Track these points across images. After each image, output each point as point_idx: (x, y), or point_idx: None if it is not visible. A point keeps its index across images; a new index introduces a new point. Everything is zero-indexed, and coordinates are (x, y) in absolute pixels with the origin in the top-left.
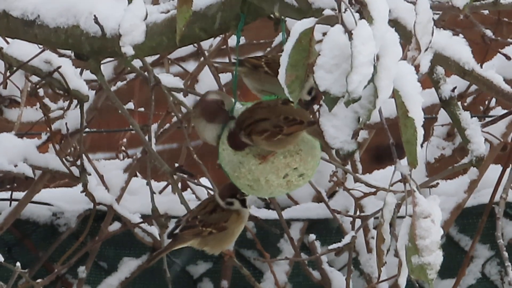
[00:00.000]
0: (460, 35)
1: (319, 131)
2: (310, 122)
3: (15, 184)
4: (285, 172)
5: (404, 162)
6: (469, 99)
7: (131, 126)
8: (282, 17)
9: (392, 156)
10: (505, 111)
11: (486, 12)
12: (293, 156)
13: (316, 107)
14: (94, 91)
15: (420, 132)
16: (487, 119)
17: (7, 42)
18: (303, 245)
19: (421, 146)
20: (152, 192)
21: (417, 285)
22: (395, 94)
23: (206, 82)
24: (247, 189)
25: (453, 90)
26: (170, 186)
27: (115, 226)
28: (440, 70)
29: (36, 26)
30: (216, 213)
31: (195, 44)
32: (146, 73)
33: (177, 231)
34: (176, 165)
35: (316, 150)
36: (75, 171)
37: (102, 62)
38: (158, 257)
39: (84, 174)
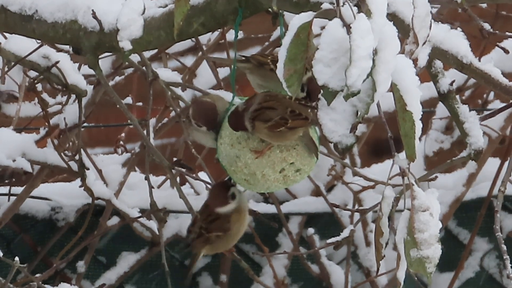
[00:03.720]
0: (458, 28)
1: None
2: (313, 120)
3: (14, 179)
4: (282, 166)
5: (402, 155)
6: (467, 93)
7: (129, 121)
8: (280, 11)
9: (391, 150)
10: (503, 104)
11: (484, 5)
12: (289, 151)
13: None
14: (92, 86)
15: (419, 125)
16: (486, 113)
17: (5, 37)
18: (301, 239)
19: (420, 139)
20: (151, 187)
21: (415, 278)
22: (394, 88)
23: (205, 76)
24: (243, 183)
25: (451, 84)
26: (168, 180)
27: (114, 220)
28: (438, 63)
29: (34, 21)
30: (216, 220)
31: (193, 39)
32: (144, 68)
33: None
34: (175, 159)
35: None
36: (74, 165)
37: (100, 56)
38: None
39: (82, 168)
